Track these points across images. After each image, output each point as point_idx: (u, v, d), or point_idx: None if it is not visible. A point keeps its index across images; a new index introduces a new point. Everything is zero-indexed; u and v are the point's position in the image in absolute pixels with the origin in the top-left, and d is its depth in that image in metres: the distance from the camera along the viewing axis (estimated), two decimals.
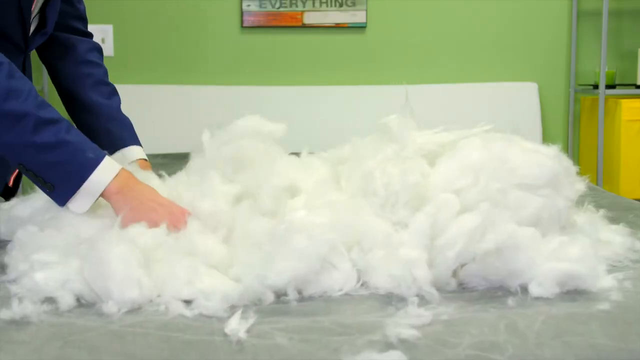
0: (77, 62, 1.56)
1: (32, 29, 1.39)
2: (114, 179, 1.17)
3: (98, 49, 1.62)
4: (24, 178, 1.61)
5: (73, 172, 1.15)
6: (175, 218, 1.15)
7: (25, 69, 1.43)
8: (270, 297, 1.01)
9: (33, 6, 1.34)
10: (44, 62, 1.58)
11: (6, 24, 1.31)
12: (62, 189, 1.16)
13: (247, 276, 1.02)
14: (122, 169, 1.20)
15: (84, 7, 1.60)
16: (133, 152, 1.53)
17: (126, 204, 1.17)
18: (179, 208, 1.18)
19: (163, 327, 0.92)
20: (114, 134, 1.53)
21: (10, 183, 1.53)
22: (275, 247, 1.03)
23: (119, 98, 1.61)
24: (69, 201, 1.17)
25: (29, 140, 1.13)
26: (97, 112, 1.54)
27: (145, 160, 1.54)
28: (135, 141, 1.56)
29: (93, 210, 1.20)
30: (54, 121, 1.16)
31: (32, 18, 1.36)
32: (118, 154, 1.47)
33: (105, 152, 1.21)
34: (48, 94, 3.43)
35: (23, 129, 1.12)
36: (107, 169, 1.18)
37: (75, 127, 1.52)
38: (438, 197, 1.14)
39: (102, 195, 1.18)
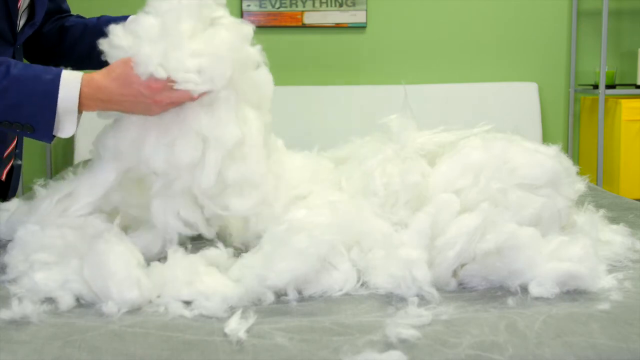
0: (50, 23, 1.57)
1: (22, 22, 1.39)
2: (81, 88, 1.15)
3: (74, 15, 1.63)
4: (22, 176, 1.61)
5: (40, 101, 1.13)
6: (160, 106, 1.14)
7: None
8: (270, 298, 1.01)
9: (19, 4, 1.34)
10: (40, 59, 1.57)
11: None
12: (41, 124, 1.14)
13: (247, 277, 1.02)
14: (83, 75, 1.17)
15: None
16: None
17: (103, 103, 1.16)
18: (158, 93, 1.13)
19: (163, 327, 0.92)
20: (114, 20, 1.46)
21: (3, 177, 1.52)
22: (275, 247, 1.03)
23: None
24: (55, 131, 1.15)
25: None
26: (89, 24, 1.52)
27: None
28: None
29: (94, 210, 1.20)
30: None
31: (21, 12, 1.36)
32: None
33: (61, 68, 1.18)
34: None
35: None
36: (70, 81, 1.15)
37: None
38: (438, 197, 1.14)
39: (80, 107, 1.16)
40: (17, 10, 1.35)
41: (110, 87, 1.14)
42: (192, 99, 1.14)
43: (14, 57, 1.42)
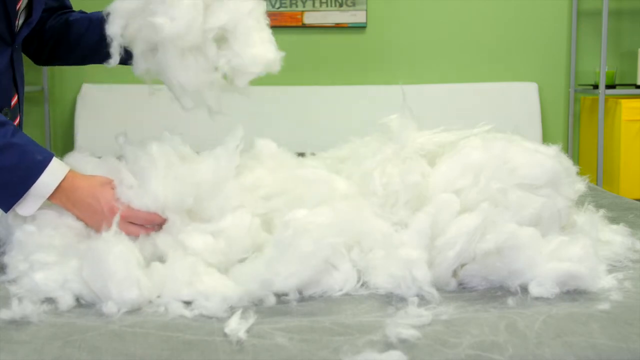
0: (53, 19, 1.56)
1: (20, 22, 1.39)
2: (61, 181, 1.17)
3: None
4: None
5: (20, 175, 1.15)
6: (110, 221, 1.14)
7: (14, 63, 1.43)
8: (272, 300, 1.01)
9: (18, 6, 1.34)
10: (44, 55, 1.57)
11: None
12: (7, 194, 1.15)
13: (251, 281, 1.02)
14: (69, 171, 1.19)
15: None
16: None
17: (71, 207, 1.18)
18: (113, 209, 1.16)
19: (163, 327, 0.92)
20: None
21: None
22: (280, 251, 1.03)
23: None
24: (15, 206, 1.16)
25: None
26: (95, 18, 1.51)
27: None
28: None
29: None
30: (1, 124, 1.16)
31: (19, 12, 1.36)
32: None
33: (53, 153, 1.20)
34: (48, 94, 3.43)
35: None
36: (55, 171, 1.17)
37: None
38: (438, 197, 1.14)
39: (49, 199, 1.18)
40: (17, 12, 1.35)
41: (83, 198, 1.18)
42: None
43: (12, 57, 1.41)
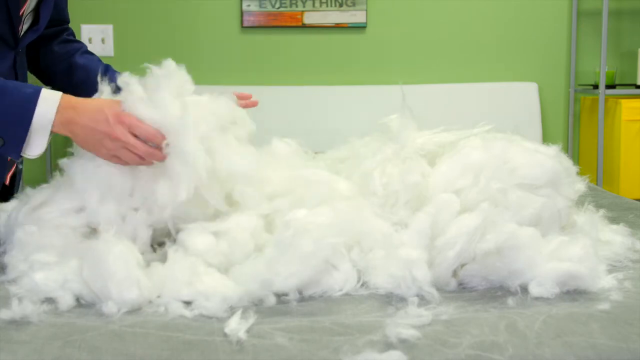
0: (62, 42, 1.59)
1: (25, 27, 1.39)
2: (59, 107, 1.14)
3: (73, 33, 1.65)
4: (22, 178, 1.61)
5: (16, 115, 1.12)
6: (125, 152, 1.12)
7: (17, 67, 1.43)
8: (272, 300, 1.01)
9: (25, 5, 1.34)
10: (32, 68, 1.59)
11: None
12: (12, 139, 1.13)
13: (251, 281, 1.02)
14: (63, 95, 1.16)
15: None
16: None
17: (75, 137, 1.15)
18: (119, 128, 1.13)
19: (163, 327, 0.92)
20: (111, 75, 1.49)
21: (7, 182, 1.52)
22: (280, 251, 1.03)
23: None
24: (24, 149, 1.14)
25: None
26: (95, 71, 1.50)
27: None
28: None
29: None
30: None
31: (25, 16, 1.36)
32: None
33: (41, 86, 1.17)
34: None
35: None
36: (49, 97, 1.14)
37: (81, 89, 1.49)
38: (438, 197, 1.14)
39: (52, 128, 1.14)
40: (20, 16, 1.34)
41: (86, 110, 1.14)
42: (140, 161, 1.13)
43: (14, 62, 1.42)
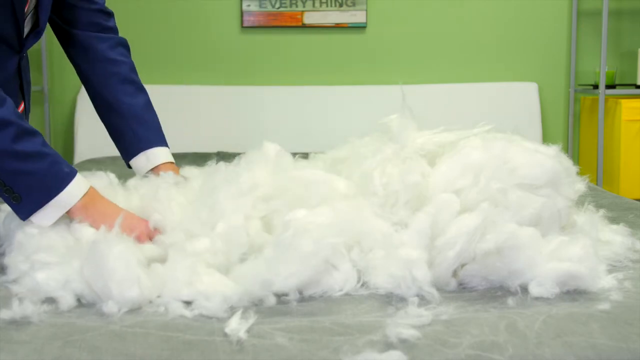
0: (99, 61, 1.50)
1: (27, 30, 1.38)
2: (84, 195, 1.18)
3: (123, 44, 1.55)
4: None
5: (47, 183, 1.15)
6: (136, 234, 1.16)
7: (22, 70, 1.43)
8: (272, 300, 1.01)
9: (26, 7, 1.33)
10: (70, 60, 1.55)
11: (1, 27, 1.30)
12: (30, 201, 1.15)
13: (251, 281, 1.02)
14: (91, 186, 1.20)
15: (104, 1, 1.54)
16: (157, 155, 1.48)
17: (88, 218, 1.18)
18: (140, 224, 1.19)
19: (163, 327, 0.92)
20: (139, 135, 1.48)
21: None
22: (281, 251, 1.03)
23: (146, 95, 1.54)
24: (34, 214, 1.16)
25: (9, 147, 1.11)
26: (122, 112, 1.48)
27: (172, 162, 1.50)
28: (161, 142, 1.50)
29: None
30: (34, 133, 1.16)
31: (25, 19, 1.36)
32: (142, 155, 1.46)
33: (76, 169, 1.21)
34: (48, 94, 3.43)
35: (4, 135, 1.11)
36: (80, 184, 1.18)
37: (104, 125, 1.52)
38: (438, 197, 1.14)
39: (72, 209, 1.17)
40: (24, 13, 1.34)
41: (105, 208, 1.19)
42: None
43: (19, 66, 1.41)
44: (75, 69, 1.55)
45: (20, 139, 1.13)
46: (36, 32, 1.40)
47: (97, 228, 1.16)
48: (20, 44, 1.38)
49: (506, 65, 3.54)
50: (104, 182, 1.33)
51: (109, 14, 1.54)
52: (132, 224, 1.18)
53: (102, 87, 1.50)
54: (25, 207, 1.15)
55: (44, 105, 3.42)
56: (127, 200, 1.29)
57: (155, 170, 1.46)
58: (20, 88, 1.43)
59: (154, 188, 1.28)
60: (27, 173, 1.13)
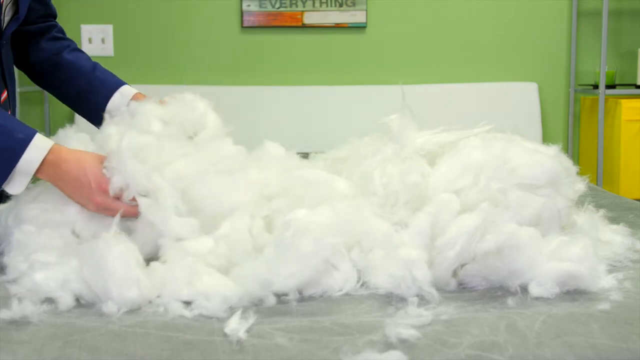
0: (50, 39, 1.59)
1: (7, 19, 1.40)
2: (44, 160, 1.17)
3: (62, 30, 1.65)
4: None
5: (4, 155, 1.15)
6: (95, 205, 1.16)
7: (3, 58, 1.44)
8: (272, 300, 1.01)
9: (2, 0, 1.35)
10: (18, 63, 1.60)
11: None
12: None
13: (251, 281, 1.02)
14: (54, 145, 1.20)
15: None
16: (128, 89, 1.55)
17: (57, 182, 1.18)
18: (100, 194, 1.17)
19: (163, 327, 0.92)
20: (106, 80, 1.55)
21: None
22: (281, 251, 1.03)
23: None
24: (4, 184, 1.16)
25: None
26: (85, 69, 1.56)
27: (140, 93, 1.56)
28: (124, 82, 1.58)
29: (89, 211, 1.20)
30: None
31: (5, 7, 1.37)
32: (117, 94, 1.51)
33: (36, 130, 1.21)
34: (48, 94, 3.43)
35: None
36: (39, 146, 1.18)
37: (67, 95, 1.56)
38: (438, 197, 1.14)
39: (36, 172, 1.18)
40: (1, 5, 1.35)
41: (70, 170, 1.18)
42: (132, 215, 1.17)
43: (0, 53, 1.43)
44: (24, 66, 1.61)
45: None
46: (15, 18, 1.42)
47: (69, 195, 1.18)
48: (0, 32, 1.39)
49: (506, 65, 3.54)
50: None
51: (53, 12, 1.65)
52: (106, 203, 1.17)
53: (56, 58, 1.58)
54: None
55: (44, 105, 3.42)
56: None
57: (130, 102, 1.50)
58: (2, 76, 1.45)
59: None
60: None
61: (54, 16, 1.64)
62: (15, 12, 1.42)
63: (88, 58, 1.61)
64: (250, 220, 1.15)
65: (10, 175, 1.16)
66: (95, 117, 1.52)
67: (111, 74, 1.59)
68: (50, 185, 1.21)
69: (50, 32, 1.61)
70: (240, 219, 1.14)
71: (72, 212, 1.20)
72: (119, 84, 1.55)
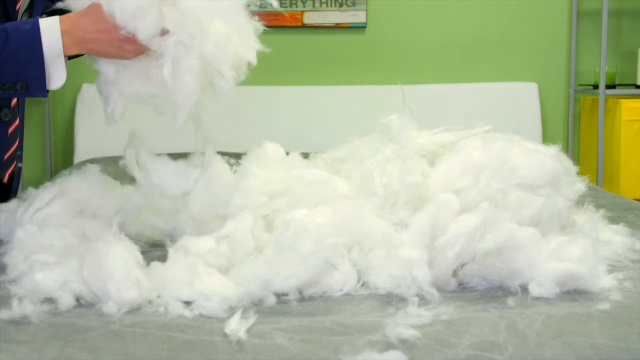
0: None
1: None
2: (62, 32, 1.16)
3: None
4: (22, 177, 1.61)
5: (26, 53, 1.13)
6: (121, 47, 1.16)
7: None
8: (272, 300, 1.01)
9: (18, 5, 1.34)
10: None
11: None
12: (32, 77, 1.14)
13: (251, 281, 1.02)
14: (60, 18, 1.18)
15: None
16: None
17: (82, 45, 1.17)
18: (120, 38, 1.16)
19: (163, 327, 0.92)
20: None
21: (5, 179, 1.52)
22: (281, 251, 1.03)
23: None
24: (48, 83, 1.15)
25: None
26: None
27: None
28: None
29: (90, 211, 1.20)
30: None
31: (20, 14, 1.37)
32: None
33: (36, 18, 1.19)
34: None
35: None
36: (50, 27, 1.16)
37: None
38: (438, 197, 1.14)
39: (64, 49, 1.16)
40: (17, 12, 1.35)
41: (85, 24, 1.15)
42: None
43: None
44: None
45: None
46: None
47: (104, 53, 1.17)
48: None
49: (506, 65, 3.54)
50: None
51: None
52: (122, 46, 1.15)
53: None
54: (36, 86, 1.15)
55: (44, 105, 3.42)
56: None
57: None
58: None
59: None
60: (5, 61, 1.13)
61: None
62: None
63: None
64: (253, 220, 1.15)
65: (46, 70, 1.14)
66: None
67: None
68: (60, 193, 1.21)
69: None
70: (243, 220, 1.14)
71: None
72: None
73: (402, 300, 1.02)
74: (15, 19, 1.35)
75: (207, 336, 0.89)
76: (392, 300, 1.03)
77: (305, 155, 1.42)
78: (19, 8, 1.36)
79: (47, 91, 1.16)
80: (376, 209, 1.17)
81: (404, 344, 0.86)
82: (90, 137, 3.26)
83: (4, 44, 1.13)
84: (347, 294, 1.06)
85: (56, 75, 1.16)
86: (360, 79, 3.50)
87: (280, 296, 1.03)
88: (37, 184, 1.29)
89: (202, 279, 1.03)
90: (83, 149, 3.27)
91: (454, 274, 1.09)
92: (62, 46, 1.15)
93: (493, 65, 3.54)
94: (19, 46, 1.13)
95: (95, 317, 0.95)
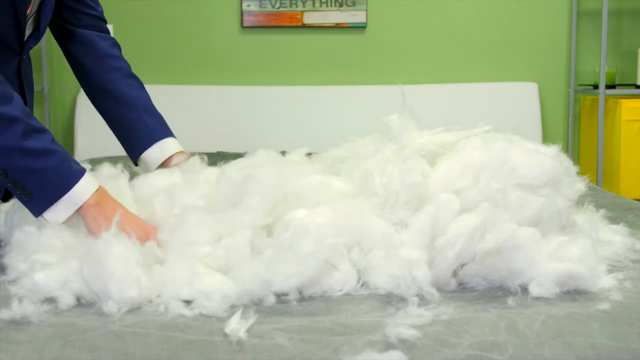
0: (102, 56, 1.52)
1: (28, 32, 1.39)
2: (94, 192, 1.18)
3: (118, 45, 1.59)
4: None
5: (57, 180, 1.15)
6: (145, 234, 1.16)
7: (22, 72, 1.43)
8: (272, 300, 1.01)
9: (28, 10, 1.34)
10: (68, 58, 1.55)
11: (1, 29, 1.31)
12: (41, 198, 1.14)
13: (251, 281, 1.02)
14: (100, 185, 1.21)
15: (102, 9, 1.59)
16: (170, 144, 1.50)
17: (101, 215, 1.17)
18: (149, 225, 1.20)
19: (163, 327, 0.92)
20: (151, 126, 1.49)
21: None
22: (281, 251, 1.03)
23: (147, 92, 1.58)
24: (47, 211, 1.15)
25: (17, 144, 1.11)
26: (132, 105, 1.50)
27: (182, 151, 1.51)
28: (171, 133, 1.53)
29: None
30: (43, 130, 1.16)
31: (27, 22, 1.36)
32: (155, 146, 1.47)
33: (85, 167, 1.21)
34: (48, 94, 3.43)
35: (13, 133, 1.11)
36: (90, 182, 1.18)
37: (109, 121, 1.51)
38: (438, 197, 1.14)
39: (80, 206, 1.17)
40: (27, 16, 1.34)
41: (116, 205, 1.19)
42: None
43: (19, 68, 1.41)
44: (74, 66, 1.55)
45: (28, 136, 1.13)
46: (35, 35, 1.40)
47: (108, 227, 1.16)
48: (21, 46, 1.38)
49: (506, 65, 3.54)
50: (112, 171, 1.34)
51: (106, 22, 1.59)
52: (145, 228, 1.18)
53: (106, 81, 1.51)
54: (37, 205, 1.15)
55: (44, 105, 3.42)
56: (133, 203, 1.29)
57: (168, 161, 1.47)
58: (20, 90, 1.44)
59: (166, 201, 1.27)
60: (37, 171, 1.13)
61: (102, 19, 1.58)
62: (36, 28, 1.40)
63: (141, 87, 1.55)
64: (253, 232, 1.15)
65: (57, 202, 1.15)
66: (130, 154, 1.51)
67: (159, 118, 1.52)
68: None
69: (99, 47, 1.53)
70: (243, 233, 1.13)
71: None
72: (161, 135, 1.49)
73: (402, 300, 1.02)
74: (25, 23, 1.35)
75: (207, 336, 0.89)
76: (392, 300, 1.03)
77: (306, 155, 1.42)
78: (29, 13, 1.36)
79: (40, 215, 1.17)
80: (376, 209, 1.17)
81: (404, 344, 0.86)
82: (90, 137, 3.26)
83: (49, 160, 1.15)
84: (347, 294, 1.06)
85: (58, 213, 1.16)
86: (360, 79, 3.50)
87: (280, 296, 1.03)
88: None
89: (202, 278, 1.03)
90: (83, 149, 3.27)
91: (454, 274, 1.09)
92: (85, 201, 1.17)
93: (493, 65, 3.54)
94: (57, 169, 1.15)
95: (96, 316, 0.95)
